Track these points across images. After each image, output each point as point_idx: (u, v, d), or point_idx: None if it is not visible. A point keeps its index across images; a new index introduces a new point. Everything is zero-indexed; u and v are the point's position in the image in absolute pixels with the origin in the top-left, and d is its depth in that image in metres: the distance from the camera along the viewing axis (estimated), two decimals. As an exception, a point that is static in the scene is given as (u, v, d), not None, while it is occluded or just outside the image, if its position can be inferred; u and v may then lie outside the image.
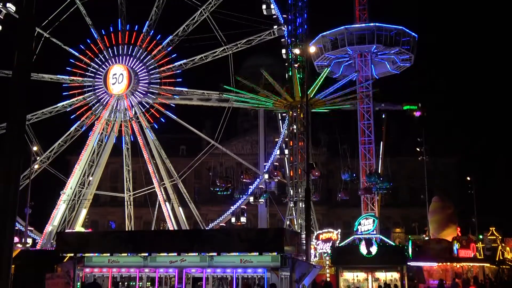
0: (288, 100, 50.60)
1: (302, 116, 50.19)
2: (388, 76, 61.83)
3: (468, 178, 63.09)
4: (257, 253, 31.96)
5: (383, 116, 55.44)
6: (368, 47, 55.68)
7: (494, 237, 55.80)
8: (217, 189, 54.10)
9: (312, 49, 49.55)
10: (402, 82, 64.01)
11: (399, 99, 60.60)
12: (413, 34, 56.70)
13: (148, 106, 61.63)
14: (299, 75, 52.26)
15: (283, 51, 56.13)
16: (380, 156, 54.86)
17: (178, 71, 61.80)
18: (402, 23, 56.55)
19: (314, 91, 49.08)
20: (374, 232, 46.48)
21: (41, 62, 59.49)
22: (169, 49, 61.72)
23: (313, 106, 49.46)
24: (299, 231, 45.25)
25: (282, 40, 56.97)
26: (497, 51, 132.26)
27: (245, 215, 55.45)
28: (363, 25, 55.84)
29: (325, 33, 56.46)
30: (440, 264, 43.86)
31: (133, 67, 61.62)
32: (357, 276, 41.06)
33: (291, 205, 52.25)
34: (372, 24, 55.52)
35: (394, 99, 60.00)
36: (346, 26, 55.66)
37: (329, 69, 54.69)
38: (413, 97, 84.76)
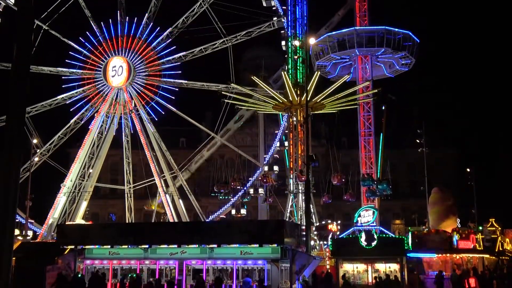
0: (294, 102, 50.35)
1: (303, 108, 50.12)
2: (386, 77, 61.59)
3: (468, 170, 63.15)
4: (257, 245, 32.07)
5: (383, 108, 55.38)
6: (376, 50, 55.27)
7: (494, 228, 55.91)
8: (222, 190, 53.18)
9: (311, 41, 49.48)
10: (400, 83, 63.73)
11: (399, 99, 60.36)
12: (417, 39, 56.51)
13: (148, 98, 61.61)
14: (299, 70, 52.24)
15: (283, 43, 56.01)
16: (380, 148, 54.84)
17: (178, 63, 61.77)
18: (395, 22, 56.50)
19: (313, 95, 48.80)
20: (374, 224, 46.55)
21: (40, 54, 59.44)
22: (168, 41, 61.62)
23: (312, 109, 49.30)
24: (299, 223, 45.37)
25: (281, 32, 56.85)
26: (494, 41, 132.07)
27: (245, 207, 55.51)
28: (372, 27, 55.38)
29: (332, 33, 55.88)
30: (440, 255, 43.94)
31: (133, 59, 61.54)
32: (357, 268, 41.14)
33: (291, 197, 52.31)
34: (382, 27, 55.05)
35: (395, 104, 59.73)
36: (355, 28, 55.25)
37: (348, 77, 54.23)
38: (412, 97, 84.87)
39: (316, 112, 52.24)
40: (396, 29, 55.37)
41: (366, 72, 56.83)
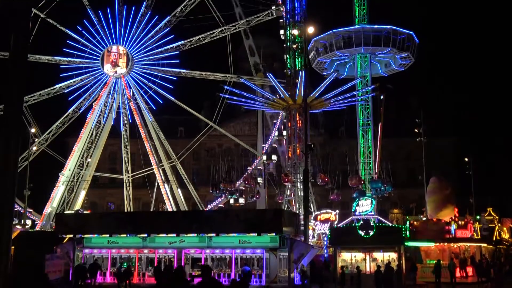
0: (295, 102, 50.17)
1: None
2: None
3: (466, 159, 63.23)
4: (256, 234, 32.18)
5: (381, 97, 55.33)
6: (382, 49, 54.91)
7: (491, 218, 56.18)
8: (229, 189, 51.97)
9: (310, 29, 49.21)
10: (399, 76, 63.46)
11: (398, 89, 60.25)
12: (417, 40, 56.32)
13: (146, 88, 61.52)
14: (298, 60, 52.11)
15: (281, 31, 55.81)
16: (378, 138, 54.85)
17: (176, 52, 61.60)
18: (387, 16, 56.25)
19: (314, 95, 48.64)
20: (372, 213, 46.66)
21: (38, 43, 59.24)
22: (166, 30, 61.42)
23: (311, 108, 49.17)
24: (297, 212, 45.44)
25: (280, 21, 56.64)
26: (490, 30, 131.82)
27: (244, 196, 55.48)
28: (379, 26, 54.95)
29: (337, 30, 55.30)
30: (438, 244, 44.13)
31: (131, 48, 61.34)
32: (355, 256, 41.30)
33: (289, 187, 52.31)
34: (388, 26, 54.66)
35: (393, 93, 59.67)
36: (362, 26, 54.98)
37: (356, 80, 54.13)
38: (411, 87, 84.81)
39: (315, 111, 52.29)
40: (401, 29, 55.14)
41: (364, 70, 56.64)
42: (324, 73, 59.99)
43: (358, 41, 54.26)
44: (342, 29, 55.38)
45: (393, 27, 54.79)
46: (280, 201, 53.15)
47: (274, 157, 54.65)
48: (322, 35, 55.72)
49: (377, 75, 59.48)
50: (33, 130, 59.95)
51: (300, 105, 48.74)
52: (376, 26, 55.16)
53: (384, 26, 54.86)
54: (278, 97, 51.86)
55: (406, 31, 55.39)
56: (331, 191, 51.65)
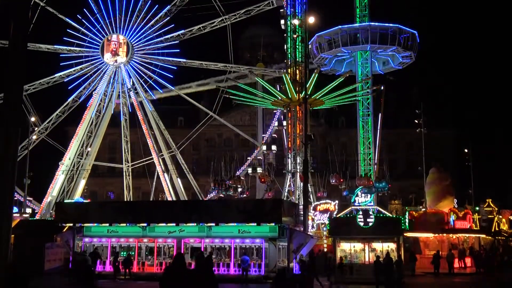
0: (293, 99, 50.10)
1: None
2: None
3: (466, 150, 63.24)
4: (255, 224, 32.24)
5: (382, 88, 55.29)
6: (387, 47, 54.77)
7: (491, 209, 56.28)
8: (239, 186, 51.26)
9: (311, 19, 48.87)
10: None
11: (398, 80, 60.15)
12: (418, 39, 56.18)
13: (146, 77, 61.42)
14: (298, 50, 51.91)
15: (282, 21, 55.60)
16: (378, 129, 54.85)
17: (176, 42, 61.44)
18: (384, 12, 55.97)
19: (314, 93, 48.44)
20: (372, 204, 46.66)
21: (38, 32, 59.02)
22: (167, 19, 61.22)
23: (311, 105, 49.07)
24: (296, 202, 45.49)
25: (281, 10, 56.41)
26: (490, 23, 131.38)
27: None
28: (385, 24, 54.78)
29: (343, 26, 55.15)
30: (437, 235, 44.23)
31: (131, 37, 61.17)
32: (354, 247, 41.38)
33: (289, 176, 52.35)
34: (394, 24, 54.48)
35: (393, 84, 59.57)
36: (369, 23, 54.84)
37: (366, 82, 53.94)
38: (411, 78, 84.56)
39: (316, 108, 52.08)
40: (405, 28, 55.00)
41: (364, 61, 56.54)
42: (322, 69, 59.74)
43: (365, 38, 54.13)
44: (349, 25, 55.27)
45: (398, 25, 54.71)
46: (269, 197, 52.85)
47: (274, 147, 54.65)
48: (326, 31, 55.55)
49: (375, 73, 59.44)
50: (33, 119, 59.89)
51: (300, 103, 48.59)
52: (382, 24, 55.05)
53: (390, 24, 54.79)
54: (278, 89, 51.66)
55: (410, 30, 55.31)
56: (318, 188, 51.53)
